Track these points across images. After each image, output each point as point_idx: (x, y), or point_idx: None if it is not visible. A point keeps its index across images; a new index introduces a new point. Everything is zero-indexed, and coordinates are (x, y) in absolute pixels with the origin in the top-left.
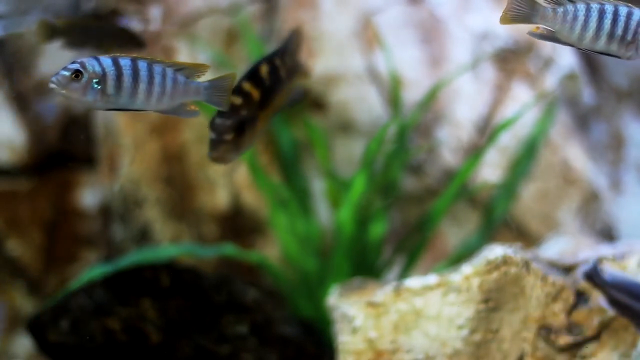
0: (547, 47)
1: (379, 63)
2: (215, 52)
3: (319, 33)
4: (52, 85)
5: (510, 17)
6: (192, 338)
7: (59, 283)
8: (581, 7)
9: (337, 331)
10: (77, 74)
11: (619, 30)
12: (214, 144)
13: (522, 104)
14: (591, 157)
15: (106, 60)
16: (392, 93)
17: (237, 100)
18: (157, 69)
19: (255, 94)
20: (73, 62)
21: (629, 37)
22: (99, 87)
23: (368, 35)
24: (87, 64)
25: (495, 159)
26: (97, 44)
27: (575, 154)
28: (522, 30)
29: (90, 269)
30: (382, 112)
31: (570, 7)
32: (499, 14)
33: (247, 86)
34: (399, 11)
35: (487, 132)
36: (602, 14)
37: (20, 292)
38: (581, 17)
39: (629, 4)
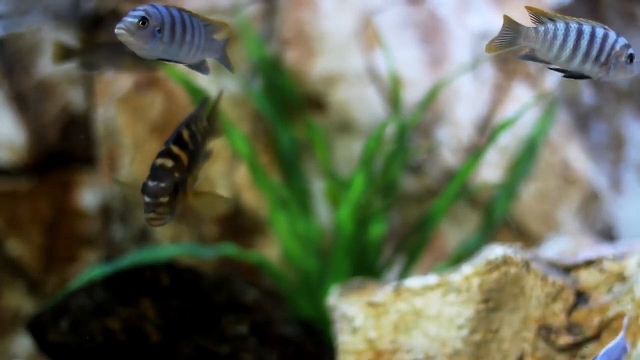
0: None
1: (379, 63)
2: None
3: (319, 33)
4: (121, 32)
5: (496, 46)
6: (192, 338)
7: (59, 283)
8: (561, 26)
9: (337, 331)
10: (143, 20)
11: (594, 51)
12: (150, 207)
13: (522, 104)
14: (591, 157)
15: (162, 9)
16: (392, 93)
17: (169, 163)
18: (196, 22)
19: (184, 157)
20: (135, 10)
21: (603, 58)
22: (159, 35)
23: (368, 35)
24: (150, 11)
25: (495, 159)
26: (115, 64)
27: (575, 154)
28: None
29: (90, 269)
30: (382, 112)
31: (550, 25)
32: (499, 14)
33: (176, 149)
34: (399, 11)
35: (487, 132)
36: (579, 34)
37: (20, 292)
38: (560, 36)
39: (605, 27)
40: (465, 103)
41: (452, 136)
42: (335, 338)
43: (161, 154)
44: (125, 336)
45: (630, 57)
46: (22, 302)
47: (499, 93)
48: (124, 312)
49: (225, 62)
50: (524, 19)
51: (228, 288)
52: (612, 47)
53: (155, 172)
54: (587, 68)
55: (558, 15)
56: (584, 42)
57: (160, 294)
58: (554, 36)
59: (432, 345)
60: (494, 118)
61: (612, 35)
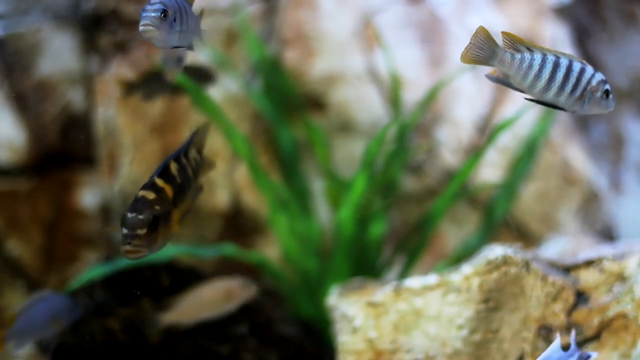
0: (547, 47)
1: (379, 63)
2: (215, 52)
3: (319, 33)
4: (147, 28)
5: (470, 57)
6: (192, 338)
7: (59, 283)
8: (537, 57)
9: (337, 331)
10: (164, 13)
11: (570, 86)
12: (127, 239)
13: (522, 104)
14: (591, 157)
15: None
16: (392, 93)
17: (150, 195)
18: (187, 5)
19: (169, 190)
20: (152, 3)
21: (578, 93)
22: (175, 24)
23: (368, 35)
24: (166, 3)
25: (495, 159)
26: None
27: (575, 154)
28: (522, 30)
29: (90, 269)
30: (382, 112)
31: (527, 55)
32: (499, 14)
33: (160, 182)
34: (399, 11)
35: (487, 132)
36: (556, 66)
37: (20, 292)
38: (536, 67)
39: (583, 61)
40: (465, 103)
41: (452, 136)
42: (335, 338)
43: (144, 186)
44: (125, 336)
45: (606, 93)
46: (22, 302)
47: (499, 93)
48: (124, 312)
49: (202, 37)
50: (524, 19)
51: None
52: (589, 82)
53: (135, 204)
54: (562, 101)
55: (536, 45)
56: (560, 75)
57: (160, 294)
58: (530, 66)
59: (432, 345)
60: (494, 118)
61: (589, 70)
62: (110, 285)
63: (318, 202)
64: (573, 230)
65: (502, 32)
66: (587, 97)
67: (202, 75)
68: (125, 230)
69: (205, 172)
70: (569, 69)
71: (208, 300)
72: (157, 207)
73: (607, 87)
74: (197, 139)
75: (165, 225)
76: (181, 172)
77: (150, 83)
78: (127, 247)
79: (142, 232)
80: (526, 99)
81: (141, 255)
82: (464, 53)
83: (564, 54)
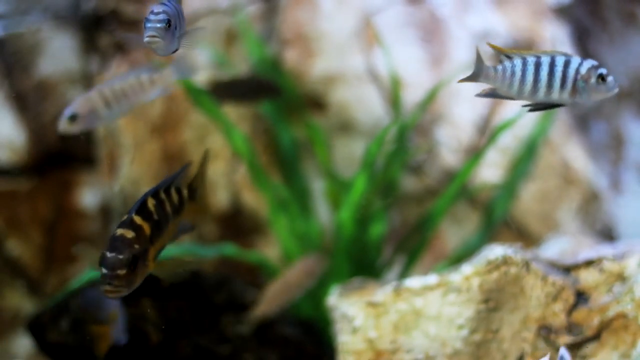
0: (547, 46)
1: (379, 63)
2: (215, 52)
3: (319, 33)
4: (154, 40)
5: (469, 77)
6: (192, 338)
7: (59, 283)
8: (517, 62)
9: (337, 331)
10: (168, 22)
11: (557, 81)
12: (107, 279)
13: (522, 104)
14: (591, 157)
15: (169, 4)
16: (392, 93)
17: (129, 234)
18: (179, 6)
19: (147, 227)
20: (156, 13)
21: (569, 85)
22: (175, 31)
23: (368, 35)
24: (168, 12)
25: (495, 159)
26: (242, 99)
27: (575, 154)
28: (522, 30)
29: (91, 269)
30: (382, 112)
31: (507, 63)
32: (499, 14)
33: (138, 219)
34: (399, 11)
35: (487, 132)
36: (537, 66)
37: (20, 292)
38: (518, 72)
39: (567, 53)
40: (465, 103)
41: (452, 136)
42: (335, 338)
43: (122, 224)
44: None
45: (601, 77)
46: (22, 302)
47: None
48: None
49: (196, 35)
50: (524, 19)
51: (228, 288)
52: (577, 72)
53: (114, 243)
54: (555, 97)
55: (514, 50)
56: (543, 73)
57: (160, 294)
58: (512, 73)
59: (432, 345)
60: (494, 118)
61: (575, 60)
62: None
63: (318, 202)
64: (573, 230)
65: (487, 43)
66: (581, 86)
67: (267, 89)
68: (105, 270)
69: (195, 211)
70: (552, 64)
71: (292, 284)
72: (136, 246)
73: (601, 71)
74: (193, 175)
75: (143, 263)
76: (159, 208)
77: (219, 88)
78: (108, 287)
79: (122, 272)
80: (524, 106)
81: (120, 295)
82: (469, 75)
83: (547, 52)
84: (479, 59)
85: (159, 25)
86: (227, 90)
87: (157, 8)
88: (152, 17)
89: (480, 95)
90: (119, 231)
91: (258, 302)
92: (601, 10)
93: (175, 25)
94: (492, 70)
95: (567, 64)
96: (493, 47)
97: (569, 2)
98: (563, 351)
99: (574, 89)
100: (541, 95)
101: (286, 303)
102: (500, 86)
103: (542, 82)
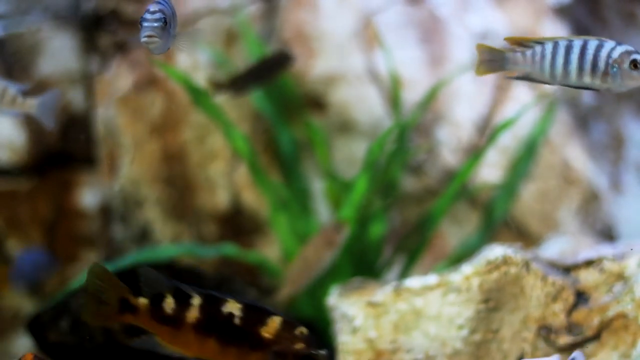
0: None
1: (379, 63)
2: (215, 52)
3: (319, 33)
4: (152, 40)
5: (484, 69)
6: None
7: (59, 283)
8: (548, 46)
9: (337, 331)
10: (165, 22)
11: (587, 64)
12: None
13: (522, 104)
14: (591, 157)
15: (164, 2)
16: (392, 93)
17: None
18: (172, 5)
19: None
20: (153, 12)
21: (600, 68)
22: (170, 29)
23: (368, 35)
24: (164, 10)
25: (495, 159)
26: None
27: (575, 154)
28: (522, 30)
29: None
30: (382, 112)
31: (538, 48)
32: (499, 14)
33: None
34: (399, 11)
35: (487, 132)
36: (569, 49)
37: (20, 292)
38: (548, 56)
39: (601, 38)
40: (465, 103)
41: (452, 136)
42: (335, 338)
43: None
44: (125, 336)
45: (634, 63)
46: (22, 302)
47: (499, 93)
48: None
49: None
50: (524, 19)
51: (228, 288)
52: (609, 56)
53: None
54: (587, 81)
55: (546, 37)
56: (574, 57)
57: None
58: (542, 56)
59: (432, 345)
60: (494, 118)
61: (608, 44)
62: None
63: (318, 202)
64: (573, 230)
65: (504, 38)
66: (613, 71)
67: (281, 61)
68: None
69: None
70: (584, 47)
71: (313, 258)
72: None
73: (636, 56)
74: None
75: None
76: None
77: (238, 80)
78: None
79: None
80: (561, 84)
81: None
82: (477, 68)
83: (580, 37)
84: (495, 50)
85: (156, 24)
86: (246, 80)
87: (154, 7)
88: (148, 16)
89: (511, 77)
90: None
91: (281, 286)
92: (601, 10)
93: (170, 24)
94: (520, 55)
95: (599, 48)
96: (513, 38)
97: (569, 2)
98: (576, 354)
99: (606, 74)
100: (573, 78)
101: (310, 279)
102: (532, 70)
103: (573, 65)
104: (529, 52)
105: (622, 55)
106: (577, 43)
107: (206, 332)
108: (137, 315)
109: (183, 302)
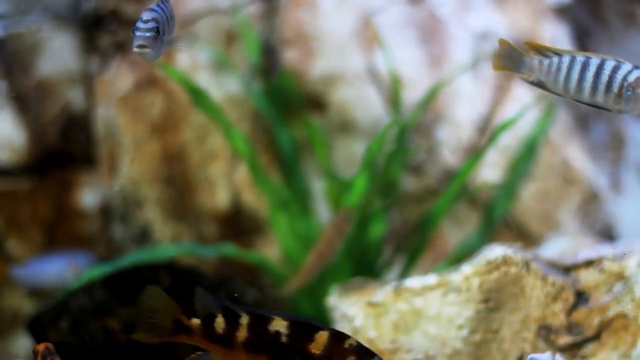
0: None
1: (379, 63)
2: (215, 52)
3: (319, 33)
4: (141, 50)
5: (500, 65)
6: None
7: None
8: (565, 59)
9: None
10: (157, 31)
11: (602, 84)
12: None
13: (522, 104)
14: (591, 157)
15: (158, 9)
16: (392, 93)
17: None
18: (170, 8)
19: None
20: (146, 21)
21: (614, 90)
22: (163, 36)
23: (368, 35)
24: (157, 19)
25: (495, 159)
26: None
27: (575, 154)
28: (522, 30)
29: (90, 269)
30: (382, 112)
31: (555, 59)
32: (499, 14)
33: None
34: (399, 11)
35: (487, 132)
36: (585, 66)
37: (20, 292)
38: (564, 69)
39: (619, 59)
40: (466, 103)
41: (452, 136)
42: None
43: None
44: (125, 336)
45: None
46: (22, 302)
47: (500, 93)
48: (123, 312)
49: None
50: (524, 19)
51: (228, 288)
52: (624, 79)
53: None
54: (600, 100)
55: (565, 50)
56: (589, 74)
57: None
58: (558, 69)
59: (432, 345)
60: (494, 118)
61: (625, 66)
62: (110, 285)
63: (318, 202)
64: (573, 230)
65: (524, 43)
66: (628, 94)
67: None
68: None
69: None
70: (600, 67)
71: (324, 248)
72: None
73: None
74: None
75: None
76: None
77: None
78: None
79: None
80: (572, 100)
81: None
82: (495, 62)
83: (598, 55)
84: (515, 50)
85: (148, 34)
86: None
87: (147, 15)
88: (141, 25)
89: (525, 80)
90: None
91: (294, 275)
92: (601, 10)
93: (164, 31)
94: (537, 62)
95: (615, 69)
96: (533, 44)
97: (569, 2)
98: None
99: (619, 96)
100: (585, 96)
101: (323, 268)
102: (546, 80)
103: (587, 82)
104: (546, 62)
105: (638, 79)
106: (595, 61)
107: (256, 351)
108: (190, 335)
109: (232, 322)
